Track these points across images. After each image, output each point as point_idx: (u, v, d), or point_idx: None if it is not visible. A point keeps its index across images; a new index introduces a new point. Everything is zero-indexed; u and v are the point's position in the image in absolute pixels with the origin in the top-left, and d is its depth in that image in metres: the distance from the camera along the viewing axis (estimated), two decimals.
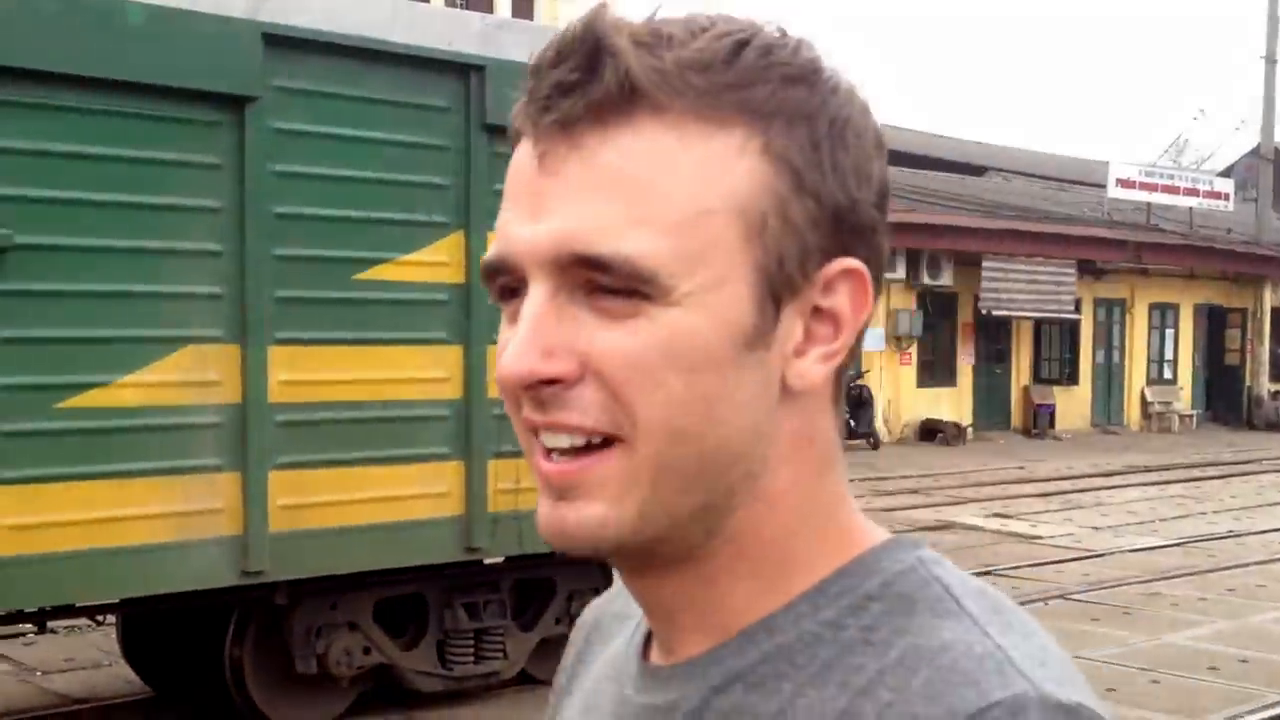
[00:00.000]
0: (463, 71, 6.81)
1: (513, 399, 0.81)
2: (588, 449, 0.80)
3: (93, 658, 8.17)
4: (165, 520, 5.79)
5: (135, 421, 5.72)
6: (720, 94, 0.79)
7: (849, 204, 0.81)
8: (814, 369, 0.82)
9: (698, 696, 0.84)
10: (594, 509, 0.80)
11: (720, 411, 0.79)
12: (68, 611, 6.53)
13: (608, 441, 0.79)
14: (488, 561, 7.21)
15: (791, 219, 0.80)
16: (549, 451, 0.81)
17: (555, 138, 0.79)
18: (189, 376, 5.91)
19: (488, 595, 7.29)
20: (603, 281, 0.78)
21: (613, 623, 0.99)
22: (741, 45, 0.80)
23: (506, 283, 0.82)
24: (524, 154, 0.82)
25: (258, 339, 6.08)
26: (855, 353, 0.84)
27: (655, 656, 0.89)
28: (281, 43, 6.18)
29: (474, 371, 6.79)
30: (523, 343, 0.79)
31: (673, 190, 0.78)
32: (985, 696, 0.75)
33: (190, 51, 5.87)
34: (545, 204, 0.79)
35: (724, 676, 0.84)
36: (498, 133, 6.68)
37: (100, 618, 7.86)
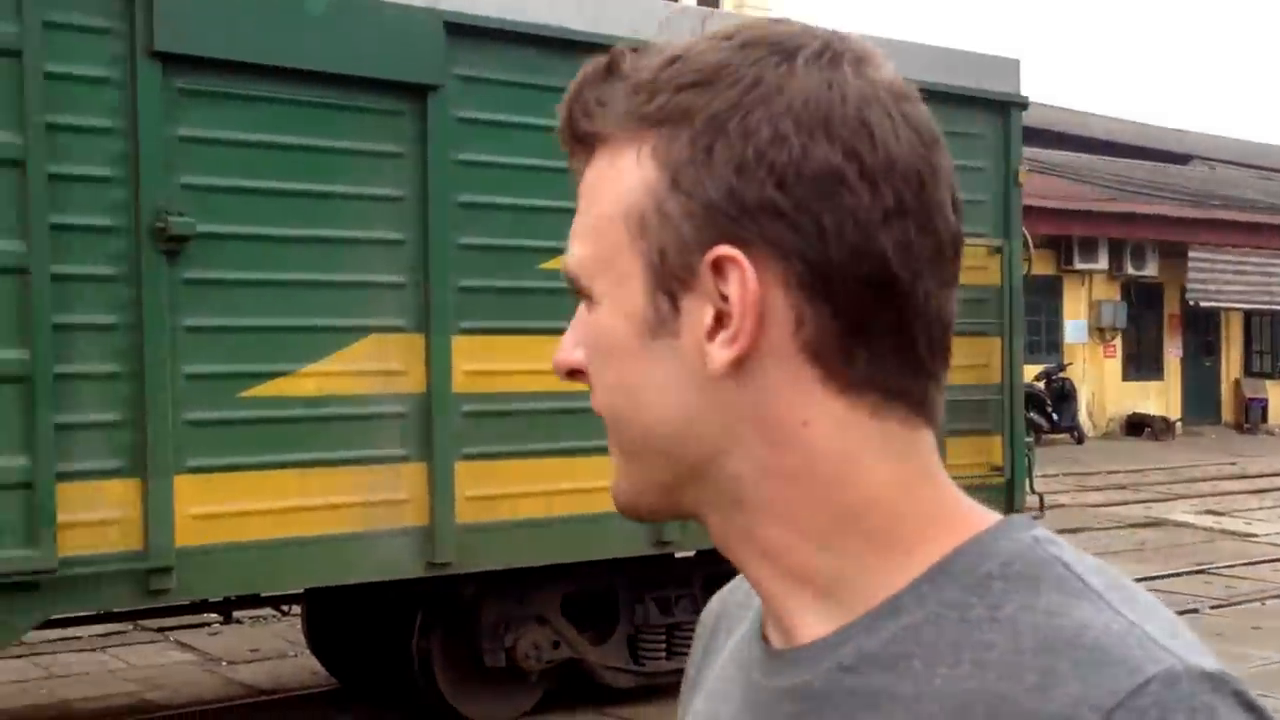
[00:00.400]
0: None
1: None
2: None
3: (278, 648, 8.26)
4: (350, 510, 5.76)
5: (318, 411, 5.70)
6: (637, 111, 0.86)
7: (724, 194, 0.83)
8: (719, 353, 0.84)
9: (827, 677, 0.86)
10: (611, 479, 0.93)
11: (643, 396, 0.87)
12: (252, 601, 6.58)
13: None
14: (679, 555, 7.08)
15: (668, 214, 0.85)
16: None
17: (575, 169, 0.91)
18: (372, 366, 5.88)
19: (679, 590, 7.16)
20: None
21: (736, 611, 1.02)
22: (669, 62, 0.85)
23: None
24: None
25: (442, 328, 6.03)
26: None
27: (775, 640, 0.91)
28: (463, 31, 6.12)
29: None
30: (562, 340, 0.91)
31: (591, 205, 0.88)
32: (1140, 673, 0.77)
33: (373, 41, 5.85)
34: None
35: (854, 657, 0.85)
36: None
37: (285, 608, 7.96)
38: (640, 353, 0.86)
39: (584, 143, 0.88)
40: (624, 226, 0.86)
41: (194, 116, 5.45)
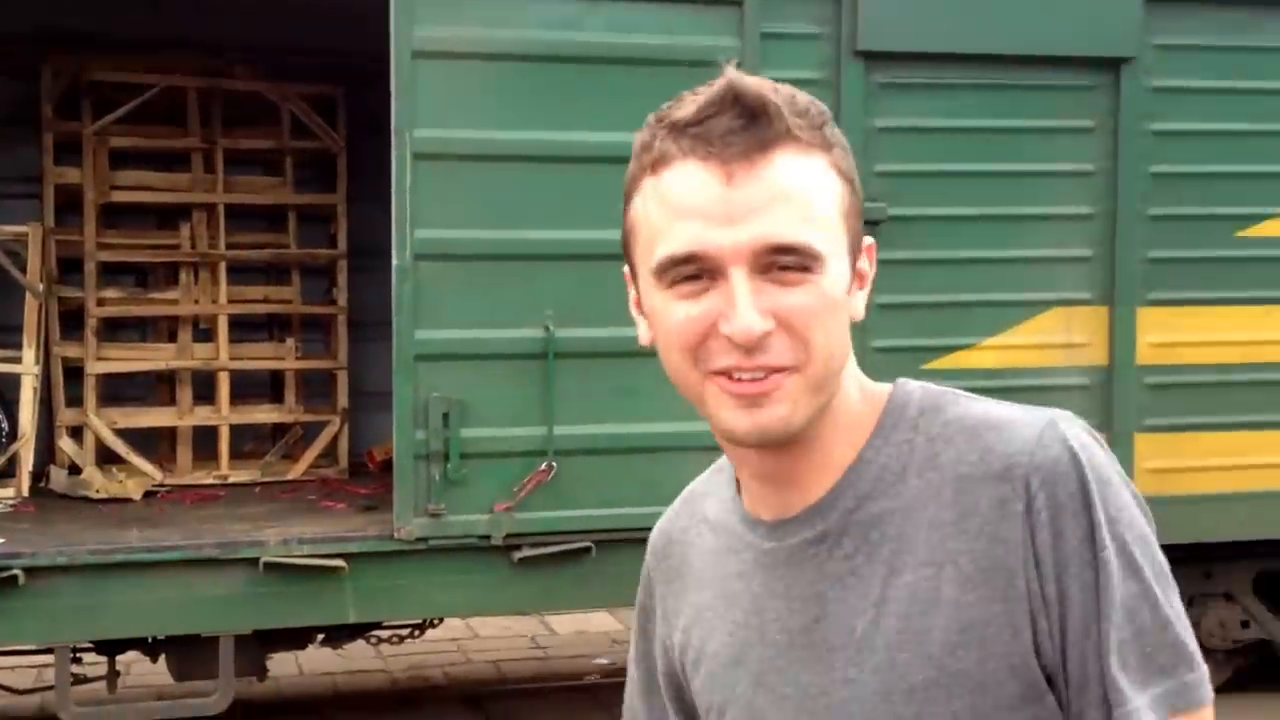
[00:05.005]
0: None
1: (695, 355, 1.21)
2: (766, 377, 1.19)
3: None
4: None
5: (997, 383, 5.98)
6: (812, 131, 1.21)
7: (864, 200, 1.28)
8: (861, 305, 1.28)
9: (839, 518, 1.27)
10: (781, 409, 1.20)
11: (841, 338, 1.22)
12: None
13: (783, 371, 1.19)
14: None
15: (854, 212, 1.24)
16: (737, 379, 1.20)
17: (737, 163, 1.18)
18: (1054, 339, 6.07)
19: None
20: (786, 262, 1.18)
21: (684, 536, 1.42)
22: (804, 99, 1.23)
23: (690, 271, 1.20)
24: (699, 177, 1.19)
25: (1128, 299, 6.09)
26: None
27: (780, 514, 1.30)
28: (1163, 0, 6.09)
29: None
30: (749, 311, 1.17)
31: (814, 197, 1.20)
32: (1037, 423, 1.23)
33: (1067, 19, 5.98)
34: (738, 212, 1.17)
35: (854, 499, 1.27)
36: None
37: None
38: (842, 306, 1.22)
39: (765, 147, 1.18)
40: (838, 218, 1.21)
41: (890, 108, 5.89)
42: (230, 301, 7.08)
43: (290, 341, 7.23)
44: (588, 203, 5.55)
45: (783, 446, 1.25)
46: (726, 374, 1.21)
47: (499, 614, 7.56)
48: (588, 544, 5.59)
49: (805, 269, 1.18)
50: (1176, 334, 6.19)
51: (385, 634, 6.54)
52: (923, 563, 1.22)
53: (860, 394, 1.30)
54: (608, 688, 7.23)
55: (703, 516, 1.41)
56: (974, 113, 5.97)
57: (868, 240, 1.28)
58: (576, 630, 8.29)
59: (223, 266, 7.06)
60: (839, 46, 5.78)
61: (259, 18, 6.91)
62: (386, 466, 6.30)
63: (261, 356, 7.25)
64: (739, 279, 1.18)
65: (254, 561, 5.37)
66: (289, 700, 7.01)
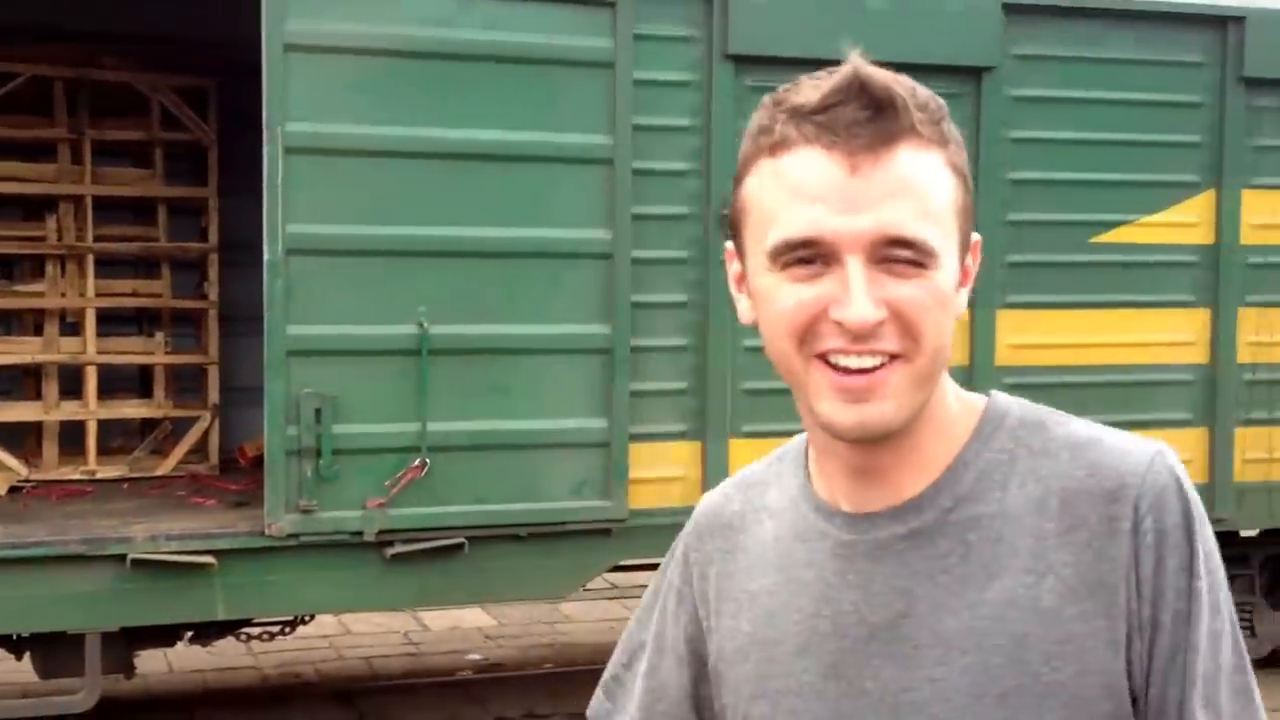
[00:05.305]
0: (1219, 24, 6.55)
1: (801, 339, 1.21)
2: (877, 367, 1.19)
3: None
4: None
5: None
6: (933, 127, 1.22)
7: (973, 198, 1.27)
8: (964, 302, 1.27)
9: (935, 517, 1.27)
10: (887, 405, 1.21)
11: (948, 332, 1.23)
12: None
13: (890, 359, 1.19)
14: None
15: (966, 208, 1.25)
16: (846, 370, 1.20)
17: (862, 154, 1.18)
18: None
19: (1236, 570, 7.04)
20: (901, 255, 1.19)
21: (739, 522, 1.41)
22: (925, 93, 1.23)
23: (804, 255, 1.21)
24: (821, 163, 1.20)
25: (987, 302, 6.28)
26: None
27: (863, 508, 1.30)
28: (1021, 11, 6.29)
29: (1221, 336, 6.60)
30: (864, 299, 1.18)
31: (933, 192, 1.21)
32: (1146, 450, 1.25)
33: (932, 28, 6.14)
34: (860, 202, 1.18)
35: (952, 499, 1.27)
36: (1256, 86, 6.60)
37: None
38: (952, 301, 1.23)
39: (889, 139, 1.19)
40: (953, 214, 1.23)
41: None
42: (98, 295, 6.97)
43: (160, 336, 7.14)
44: (463, 200, 5.59)
45: (878, 442, 1.25)
46: (829, 360, 1.20)
47: (371, 610, 7.55)
48: (461, 540, 5.63)
49: (920, 264, 1.19)
50: (1032, 336, 6.41)
51: (256, 631, 6.50)
52: (1024, 570, 1.23)
53: (955, 397, 1.31)
54: (481, 683, 7.27)
55: (761, 505, 1.40)
56: None
57: (975, 237, 1.28)
58: (450, 626, 8.31)
59: (90, 259, 6.96)
60: (710, 49, 5.89)
61: (130, 7, 6.83)
62: (258, 462, 6.28)
63: (130, 351, 7.15)
64: (855, 267, 1.18)
65: (121, 558, 5.32)
66: (157, 698, 6.94)
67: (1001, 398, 1.33)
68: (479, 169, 5.62)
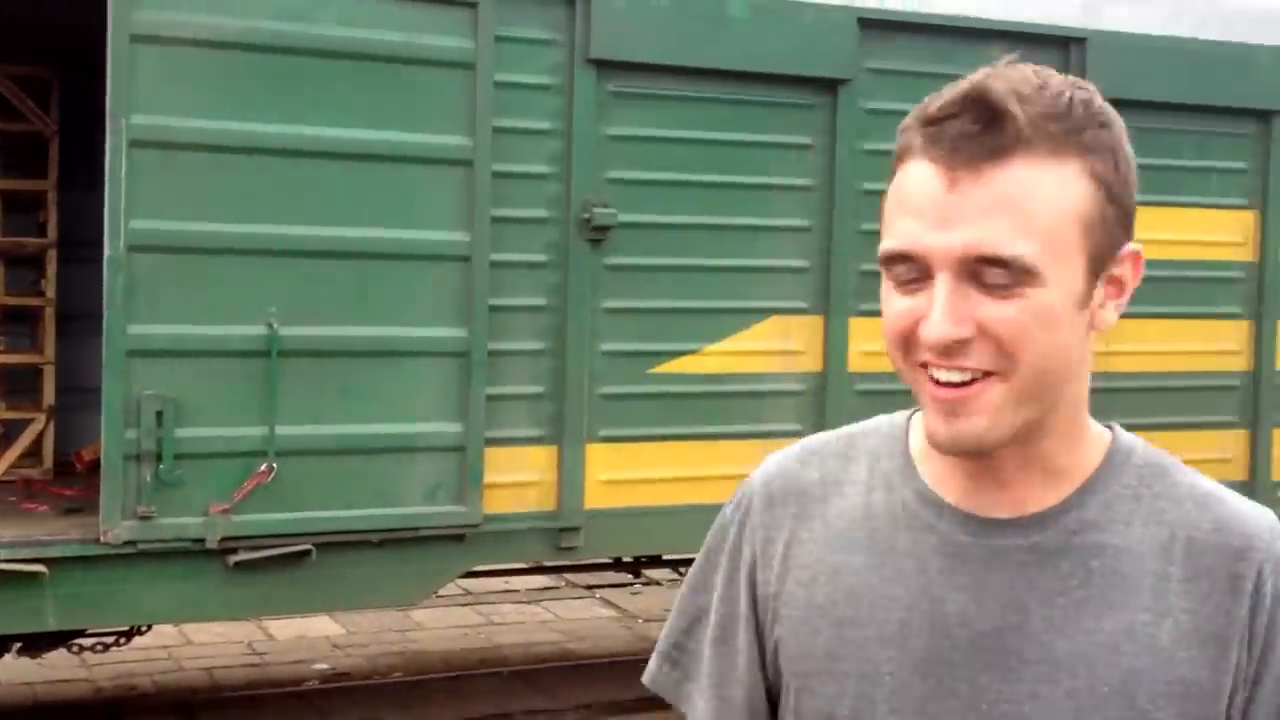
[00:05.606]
0: (1062, 45, 6.73)
1: (903, 348, 1.23)
2: (969, 382, 1.19)
3: None
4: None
5: (721, 387, 6.17)
6: (1065, 137, 1.18)
7: (1131, 207, 1.23)
8: (1111, 316, 1.25)
9: (1059, 536, 1.26)
10: (979, 421, 1.20)
11: (1063, 352, 1.20)
12: (657, 563, 7.15)
13: (984, 375, 1.18)
14: None
15: (1106, 220, 1.21)
16: (939, 383, 1.20)
17: (962, 169, 1.17)
18: (772, 345, 6.28)
19: None
20: (995, 273, 1.16)
21: (819, 490, 1.38)
22: (1071, 100, 1.19)
23: (904, 268, 1.21)
24: (926, 176, 1.19)
25: (841, 310, 6.35)
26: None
27: (977, 510, 1.28)
28: (876, 26, 6.38)
29: None
30: (943, 316, 1.17)
31: (1039, 208, 1.17)
32: (1269, 515, 1.28)
33: (791, 40, 6.20)
34: (953, 218, 1.17)
35: (1079, 522, 1.27)
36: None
37: (683, 571, 8.54)
38: (1069, 320, 1.19)
39: (998, 153, 1.16)
40: (1077, 227, 1.19)
41: (621, 116, 5.99)
42: None
43: None
44: (316, 198, 5.47)
45: (981, 455, 1.25)
46: (928, 370, 1.21)
47: (213, 620, 7.33)
48: (308, 546, 5.49)
49: (1016, 283, 1.17)
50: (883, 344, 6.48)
51: (89, 642, 6.26)
52: (1145, 608, 1.24)
53: (1085, 419, 1.30)
54: (327, 694, 7.11)
55: (844, 477, 1.37)
56: (701, 125, 6.14)
57: (1130, 247, 1.24)
58: (297, 635, 8.11)
59: None
60: (572, 54, 5.85)
61: None
62: (95, 467, 6.04)
63: None
64: (941, 284, 1.18)
65: None
66: None
67: (1125, 433, 1.33)
68: (334, 167, 5.51)
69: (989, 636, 1.25)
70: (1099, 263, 1.21)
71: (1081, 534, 1.26)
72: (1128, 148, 1.23)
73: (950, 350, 1.18)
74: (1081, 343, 1.23)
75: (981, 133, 1.16)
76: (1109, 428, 1.32)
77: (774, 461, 1.43)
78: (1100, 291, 1.23)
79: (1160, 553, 1.25)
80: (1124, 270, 1.24)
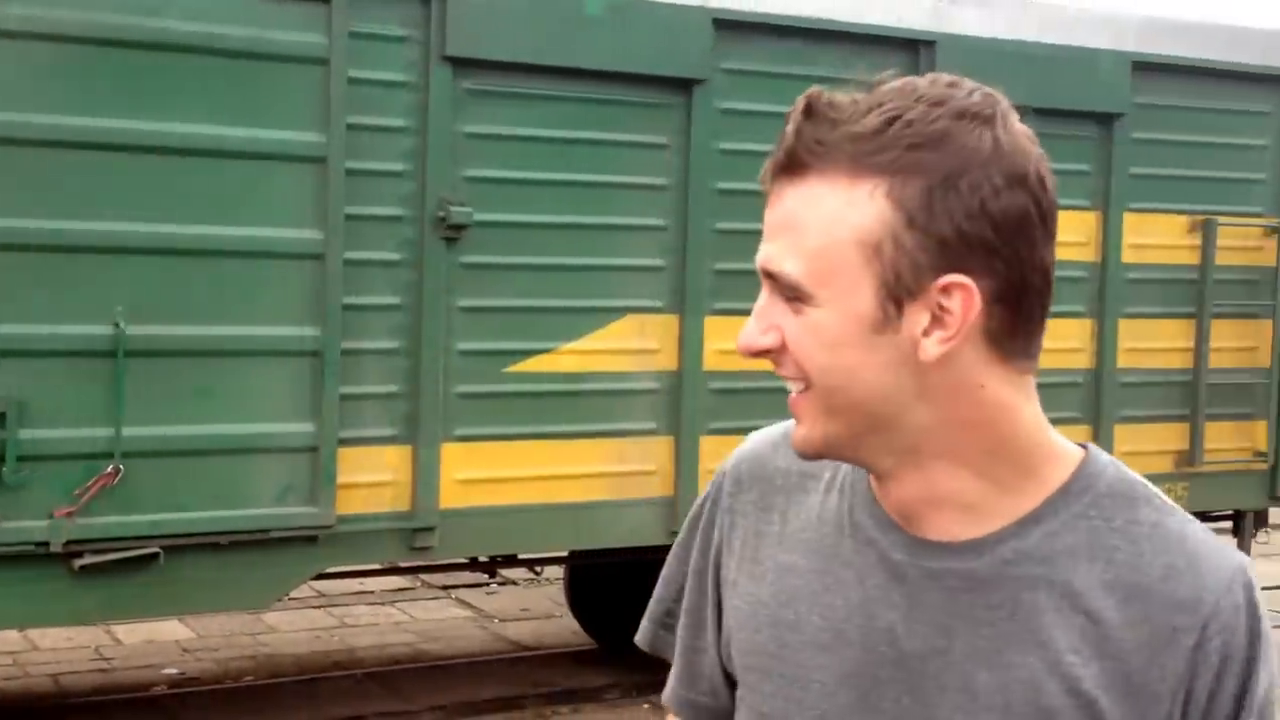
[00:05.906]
0: (912, 47, 6.85)
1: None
2: (798, 392, 1.20)
3: (546, 609, 8.79)
4: (603, 480, 6.24)
5: (576, 386, 6.19)
6: (865, 157, 1.14)
7: (955, 234, 1.14)
8: (934, 348, 1.16)
9: (993, 566, 1.22)
10: (803, 429, 1.22)
11: (860, 374, 1.17)
12: (513, 562, 7.13)
13: (805, 387, 1.20)
14: None
15: (903, 244, 1.15)
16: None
17: (775, 182, 1.20)
18: (628, 344, 6.32)
19: None
20: (780, 288, 1.18)
21: (785, 481, 1.36)
22: (891, 121, 1.14)
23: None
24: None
25: (696, 308, 6.40)
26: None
27: (917, 530, 1.25)
28: (730, 26, 6.43)
29: None
30: (750, 323, 1.21)
31: (812, 228, 1.16)
32: (1228, 565, 1.21)
33: (646, 39, 6.23)
34: (767, 232, 1.20)
35: (1014, 553, 1.21)
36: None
37: (539, 570, 8.57)
38: (862, 343, 1.16)
39: (794, 171, 1.16)
40: (857, 249, 1.15)
41: (477, 114, 5.97)
42: None
43: None
44: (165, 195, 5.37)
45: (865, 467, 1.26)
46: None
47: (58, 625, 7.15)
48: (156, 550, 5.39)
49: (795, 298, 1.18)
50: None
51: None
52: (1073, 649, 1.19)
53: (1038, 444, 1.23)
54: (176, 699, 6.98)
55: (812, 471, 1.34)
56: (556, 123, 6.14)
57: (952, 278, 1.15)
58: (145, 639, 7.94)
59: None
60: (428, 50, 5.82)
61: None
62: None
63: None
64: (762, 293, 1.21)
65: None
66: None
67: (1100, 457, 1.26)
68: (183, 164, 5.41)
69: (914, 659, 1.23)
70: (897, 289, 1.15)
71: (1017, 565, 1.21)
72: (976, 175, 1.13)
73: (756, 356, 1.21)
74: (898, 370, 1.17)
75: (792, 147, 1.17)
76: (1084, 448, 1.26)
77: (752, 441, 1.43)
78: (916, 320, 1.16)
79: (1102, 592, 1.20)
80: (950, 302, 1.15)
